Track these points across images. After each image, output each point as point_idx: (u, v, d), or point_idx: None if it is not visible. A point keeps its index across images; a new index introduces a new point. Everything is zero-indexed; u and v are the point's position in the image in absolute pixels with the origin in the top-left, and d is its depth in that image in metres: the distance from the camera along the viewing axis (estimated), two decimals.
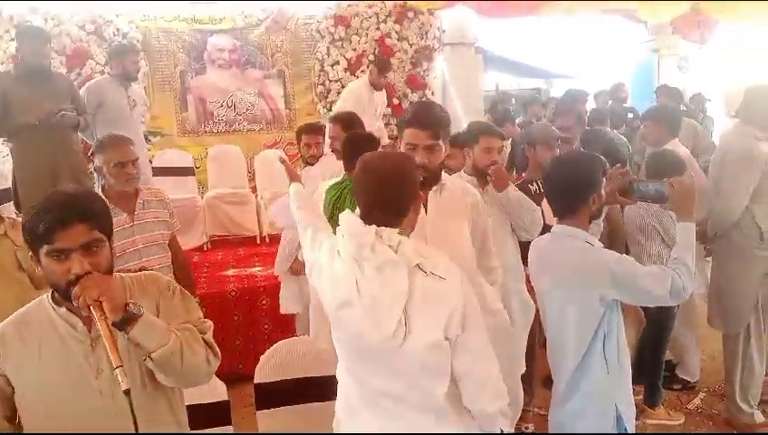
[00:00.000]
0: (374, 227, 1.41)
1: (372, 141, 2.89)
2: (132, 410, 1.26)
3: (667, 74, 7.36)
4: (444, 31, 6.25)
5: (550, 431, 2.00)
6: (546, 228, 2.95)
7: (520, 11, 5.74)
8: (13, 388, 1.39)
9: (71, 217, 1.30)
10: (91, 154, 3.34)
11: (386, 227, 1.41)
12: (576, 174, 1.89)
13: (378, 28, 5.86)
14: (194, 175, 5.74)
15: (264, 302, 3.98)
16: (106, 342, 1.25)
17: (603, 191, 1.91)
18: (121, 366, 1.24)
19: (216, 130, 6.03)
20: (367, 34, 5.88)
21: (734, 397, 3.12)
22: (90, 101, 4.10)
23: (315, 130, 3.58)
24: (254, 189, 5.69)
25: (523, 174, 3.22)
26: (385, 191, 1.43)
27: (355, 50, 5.88)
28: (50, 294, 1.44)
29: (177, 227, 2.84)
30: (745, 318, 3.04)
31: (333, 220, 3.07)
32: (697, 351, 3.58)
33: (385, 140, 5.08)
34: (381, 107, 5.40)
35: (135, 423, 1.28)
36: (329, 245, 1.55)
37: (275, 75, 6.17)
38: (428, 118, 1.85)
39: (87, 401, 1.38)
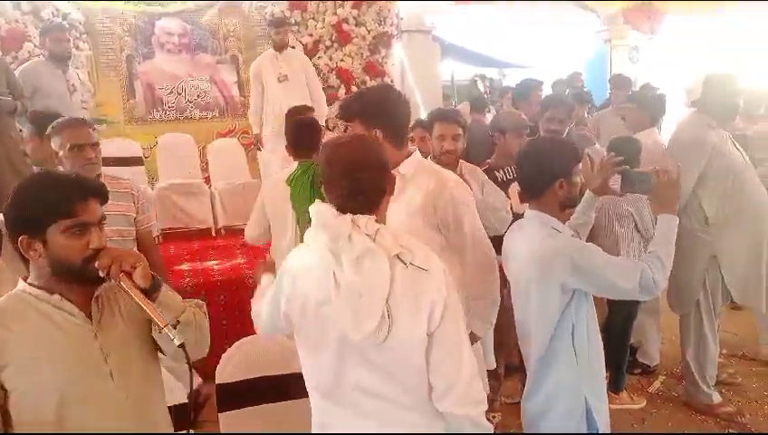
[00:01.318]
0: (349, 215, 1.31)
1: (315, 127, 2.93)
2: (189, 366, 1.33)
3: (618, 65, 7.51)
4: (401, 18, 6.16)
5: (523, 422, 1.96)
6: (516, 216, 2.96)
7: None
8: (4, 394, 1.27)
9: (88, 192, 1.32)
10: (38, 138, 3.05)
11: (361, 214, 1.32)
12: (542, 158, 1.85)
13: (335, 13, 5.71)
14: (143, 165, 5.48)
15: (221, 297, 3.82)
16: (146, 306, 1.28)
17: (577, 179, 1.86)
18: (167, 324, 1.28)
19: (165, 118, 5.78)
20: (323, 19, 5.72)
21: (693, 378, 3.20)
22: (25, 84, 3.82)
23: None
24: (207, 180, 5.48)
25: (488, 160, 3.17)
26: (360, 176, 1.33)
27: (311, 35, 5.72)
28: (26, 286, 1.34)
29: (148, 223, 2.57)
30: (694, 298, 3.10)
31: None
32: (658, 335, 3.66)
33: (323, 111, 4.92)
34: (300, 67, 4.86)
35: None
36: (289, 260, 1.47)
37: (228, 61, 5.95)
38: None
39: (98, 387, 1.35)
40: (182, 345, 1.28)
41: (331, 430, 1.43)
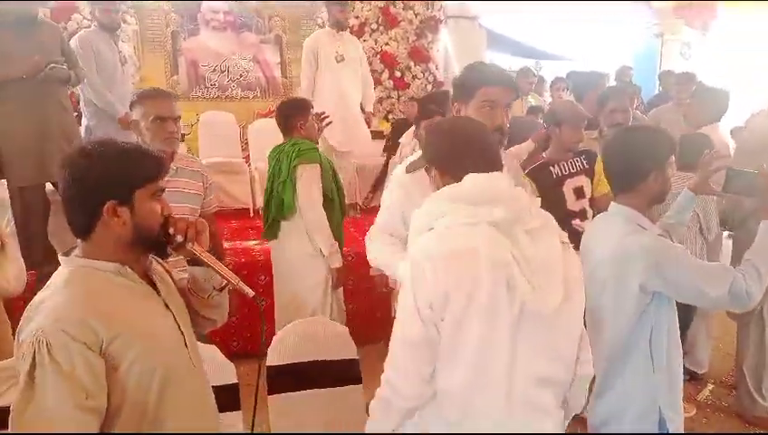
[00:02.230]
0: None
1: (302, 106, 3.08)
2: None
3: (669, 60, 7.26)
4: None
5: (588, 421, 1.89)
6: (570, 214, 2.86)
7: None
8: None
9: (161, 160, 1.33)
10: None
11: None
12: (636, 149, 1.73)
13: None
14: (183, 141, 5.48)
15: (262, 278, 3.80)
16: (218, 267, 1.32)
17: (670, 171, 1.75)
18: (239, 281, 1.34)
19: (208, 96, 5.77)
20: (370, 2, 5.63)
21: (747, 388, 3.08)
22: (83, 53, 3.83)
23: None
24: (247, 159, 5.47)
25: (543, 154, 3.06)
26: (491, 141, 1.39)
27: (357, 17, 5.63)
28: (84, 260, 1.24)
29: (213, 206, 2.54)
30: (756, 307, 2.96)
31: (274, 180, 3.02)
32: (708, 341, 3.53)
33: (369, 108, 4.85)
34: (355, 50, 4.75)
35: None
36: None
37: (272, 41, 5.91)
38: (509, 76, 1.84)
39: (184, 362, 1.34)
40: (255, 297, 1.33)
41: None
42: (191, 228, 1.29)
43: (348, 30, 4.86)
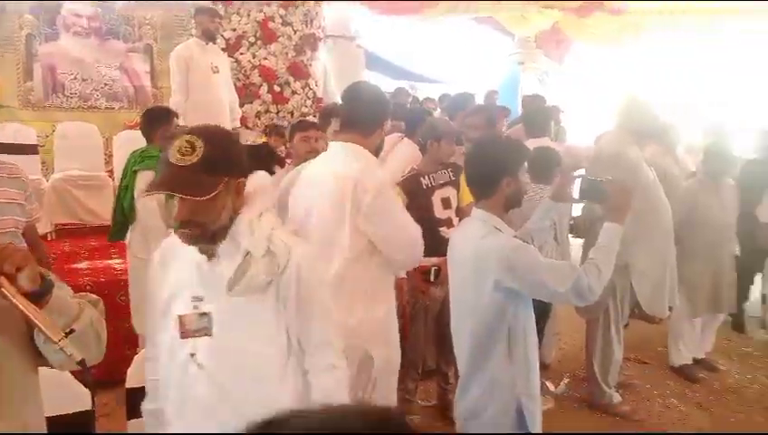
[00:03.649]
0: None
1: (165, 115, 3.25)
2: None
3: (528, 86, 7.92)
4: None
5: (456, 421, 1.97)
6: (438, 222, 3.01)
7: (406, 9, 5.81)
8: None
9: None
10: None
11: None
12: (489, 157, 1.89)
13: (261, 10, 5.57)
14: (37, 153, 5.04)
15: (123, 297, 3.56)
16: (34, 317, 1.06)
17: (523, 178, 1.91)
18: (63, 337, 1.08)
19: (67, 105, 5.36)
20: (248, 15, 5.57)
21: (596, 380, 3.40)
22: None
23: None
24: (110, 173, 5.12)
25: (415, 166, 3.20)
26: None
27: (234, 30, 5.54)
28: None
29: (36, 215, 2.40)
30: (603, 304, 3.31)
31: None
32: (554, 336, 3.83)
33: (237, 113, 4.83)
34: (225, 62, 4.75)
35: None
36: None
37: (141, 49, 5.63)
38: None
39: None
40: (82, 362, 1.11)
41: None
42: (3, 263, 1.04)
43: (218, 41, 4.78)
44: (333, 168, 2.09)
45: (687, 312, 3.79)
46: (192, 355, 1.36)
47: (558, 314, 3.85)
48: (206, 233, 1.32)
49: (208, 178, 1.28)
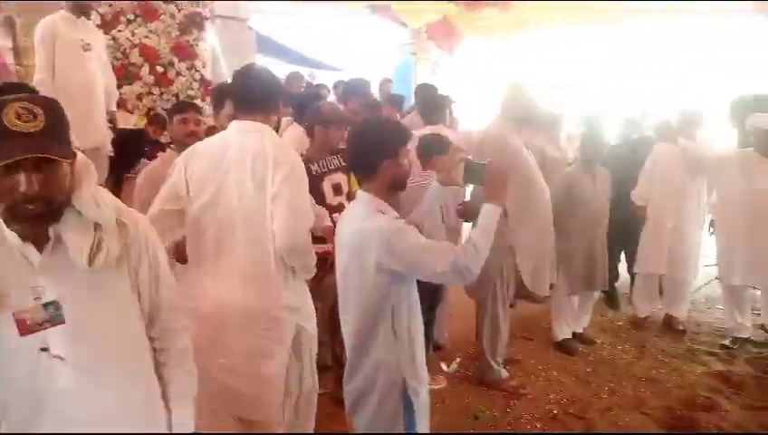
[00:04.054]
0: None
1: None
2: None
3: (421, 77, 8.08)
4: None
5: (346, 405, 1.96)
6: (330, 208, 2.98)
7: None
8: None
9: None
10: None
11: None
12: (369, 139, 1.88)
13: None
14: None
15: None
16: None
17: (405, 161, 1.91)
18: None
19: None
20: None
21: (485, 358, 3.55)
22: None
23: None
24: None
25: (303, 152, 3.13)
26: None
27: (111, 5, 5.11)
28: None
29: None
30: (492, 285, 3.45)
31: None
32: (444, 317, 3.95)
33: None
34: (98, 39, 4.37)
35: None
36: None
37: (2, 23, 5.02)
38: None
39: None
40: None
41: None
42: None
43: (93, 17, 4.37)
44: (245, 143, 2.12)
45: (566, 290, 4.06)
46: (44, 350, 1.27)
47: (450, 297, 3.97)
48: (52, 209, 1.24)
49: (58, 145, 1.22)
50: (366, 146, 1.86)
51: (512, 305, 3.86)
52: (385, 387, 1.84)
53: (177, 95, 5.20)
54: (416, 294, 1.93)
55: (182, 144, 2.67)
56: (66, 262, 1.26)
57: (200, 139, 2.49)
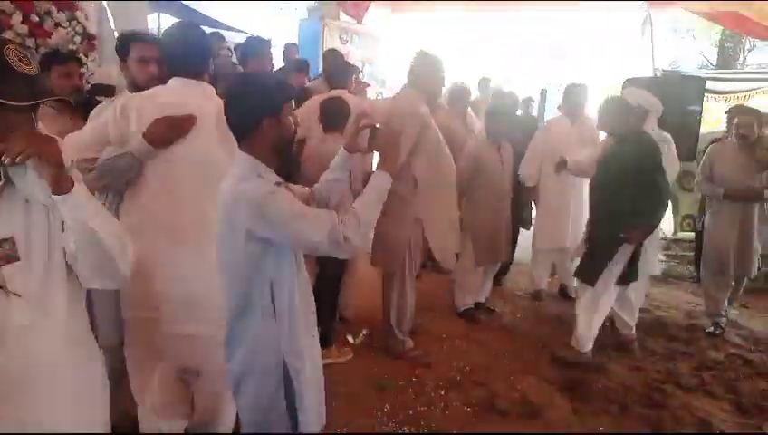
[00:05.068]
0: None
1: None
2: None
3: (330, 43, 7.84)
4: None
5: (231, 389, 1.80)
6: None
7: None
8: None
9: None
10: None
11: None
12: (247, 94, 1.67)
13: None
14: None
15: None
16: None
17: (288, 119, 1.71)
18: None
19: None
20: None
21: (392, 329, 3.55)
22: None
23: None
24: None
25: None
26: None
27: None
28: None
29: None
30: (401, 257, 3.44)
31: None
32: (351, 289, 3.92)
33: None
34: None
35: None
36: None
37: None
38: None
39: None
40: None
41: None
42: None
43: None
44: (195, 97, 2.09)
45: (471, 261, 4.14)
46: (0, 287, 1.31)
47: (358, 269, 3.91)
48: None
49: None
50: (244, 102, 1.66)
51: (418, 277, 3.89)
52: (265, 366, 1.69)
53: (56, 50, 4.66)
54: (300, 266, 1.76)
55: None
56: (17, 199, 1.33)
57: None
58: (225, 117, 1.69)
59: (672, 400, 3.24)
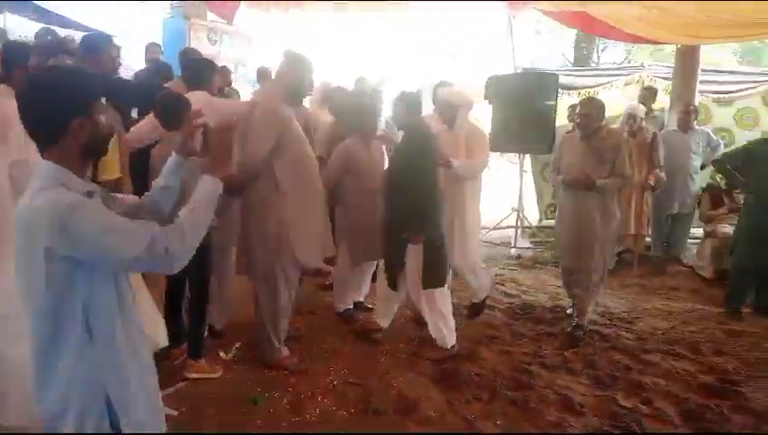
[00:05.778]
0: None
1: None
2: None
3: (197, 44, 7.48)
4: None
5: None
6: None
7: None
8: None
9: None
10: None
11: None
12: (52, 91, 1.45)
13: None
14: None
15: None
16: None
17: (101, 117, 1.51)
18: None
19: None
20: None
21: (267, 337, 3.41)
22: None
23: None
24: None
25: None
26: None
27: None
28: None
29: None
30: (270, 262, 3.29)
31: None
32: (223, 301, 3.74)
33: None
34: None
35: None
36: None
37: None
38: None
39: None
40: None
41: None
42: None
43: None
44: None
45: (348, 262, 4.10)
46: None
47: (231, 278, 3.73)
48: None
49: None
50: (50, 101, 1.44)
51: (300, 280, 3.80)
52: (82, 404, 1.46)
53: None
54: (116, 281, 1.53)
55: None
56: None
57: None
58: (23, 124, 1.47)
59: (538, 380, 3.42)
